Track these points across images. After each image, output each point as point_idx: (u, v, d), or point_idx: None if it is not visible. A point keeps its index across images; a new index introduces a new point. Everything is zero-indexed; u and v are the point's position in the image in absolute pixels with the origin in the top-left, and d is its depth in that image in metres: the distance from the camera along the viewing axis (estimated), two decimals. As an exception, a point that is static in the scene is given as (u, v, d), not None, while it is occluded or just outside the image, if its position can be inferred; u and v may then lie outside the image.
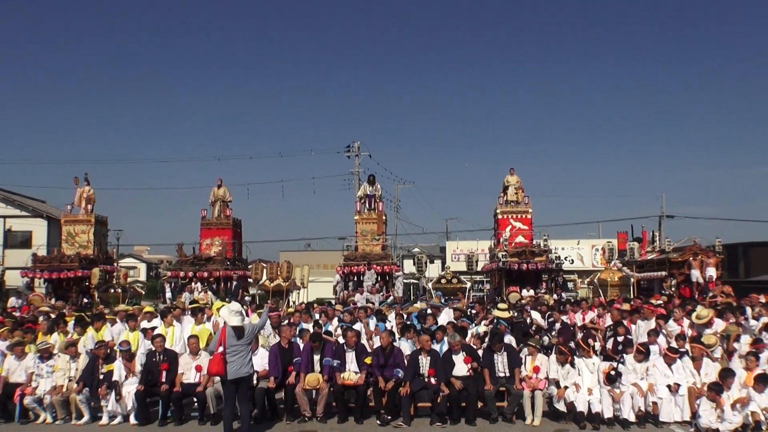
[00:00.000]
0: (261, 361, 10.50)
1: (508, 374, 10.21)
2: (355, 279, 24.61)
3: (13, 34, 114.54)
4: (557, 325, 13.48)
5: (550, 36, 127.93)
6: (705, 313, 11.41)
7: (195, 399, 10.44)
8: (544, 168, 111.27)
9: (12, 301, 22.05)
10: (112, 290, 24.60)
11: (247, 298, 22.56)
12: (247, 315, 13.46)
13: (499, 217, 26.31)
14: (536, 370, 10.11)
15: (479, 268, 30.45)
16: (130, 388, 10.26)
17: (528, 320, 14.09)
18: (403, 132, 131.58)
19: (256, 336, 9.97)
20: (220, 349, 9.02)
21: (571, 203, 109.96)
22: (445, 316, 13.94)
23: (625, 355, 10.35)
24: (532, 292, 22.60)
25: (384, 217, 26.85)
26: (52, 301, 22.19)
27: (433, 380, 9.97)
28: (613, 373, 9.73)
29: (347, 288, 24.05)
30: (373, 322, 13.08)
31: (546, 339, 11.24)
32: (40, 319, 14.53)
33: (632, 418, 9.52)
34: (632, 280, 23.95)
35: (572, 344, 10.46)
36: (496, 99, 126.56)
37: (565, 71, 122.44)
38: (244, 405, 9.11)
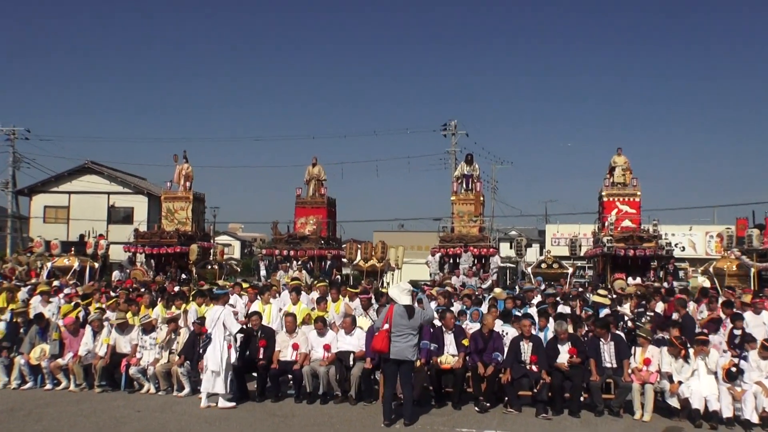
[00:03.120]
0: (358, 342, 10.64)
1: (615, 365, 9.93)
2: (451, 261, 24.54)
3: (116, 21, 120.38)
4: (648, 314, 13.01)
5: (663, 20, 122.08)
6: None
7: (291, 377, 10.70)
8: (655, 149, 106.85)
9: (116, 275, 23.24)
10: (209, 266, 25.46)
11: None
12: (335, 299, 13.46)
13: (605, 199, 25.66)
14: (647, 362, 9.73)
15: (582, 254, 29.78)
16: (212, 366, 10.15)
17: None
18: (503, 110, 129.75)
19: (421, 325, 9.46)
20: (385, 326, 9.17)
21: (683, 186, 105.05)
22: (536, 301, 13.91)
23: (748, 350, 9.79)
24: (639, 280, 21.81)
25: (481, 198, 26.61)
26: (150, 273, 23.31)
27: (534, 367, 9.79)
28: (734, 369, 9.25)
29: (442, 270, 23.98)
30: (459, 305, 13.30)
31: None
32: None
33: (755, 419, 8.99)
34: (752, 270, 22.61)
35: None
36: (603, 79, 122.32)
37: (680, 56, 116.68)
38: (406, 388, 9.18)
